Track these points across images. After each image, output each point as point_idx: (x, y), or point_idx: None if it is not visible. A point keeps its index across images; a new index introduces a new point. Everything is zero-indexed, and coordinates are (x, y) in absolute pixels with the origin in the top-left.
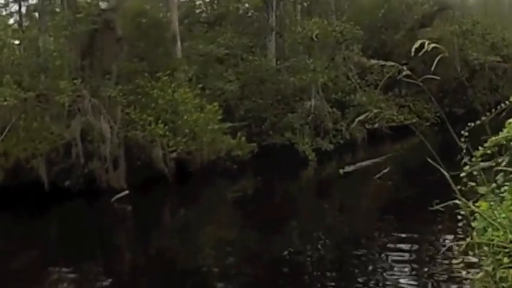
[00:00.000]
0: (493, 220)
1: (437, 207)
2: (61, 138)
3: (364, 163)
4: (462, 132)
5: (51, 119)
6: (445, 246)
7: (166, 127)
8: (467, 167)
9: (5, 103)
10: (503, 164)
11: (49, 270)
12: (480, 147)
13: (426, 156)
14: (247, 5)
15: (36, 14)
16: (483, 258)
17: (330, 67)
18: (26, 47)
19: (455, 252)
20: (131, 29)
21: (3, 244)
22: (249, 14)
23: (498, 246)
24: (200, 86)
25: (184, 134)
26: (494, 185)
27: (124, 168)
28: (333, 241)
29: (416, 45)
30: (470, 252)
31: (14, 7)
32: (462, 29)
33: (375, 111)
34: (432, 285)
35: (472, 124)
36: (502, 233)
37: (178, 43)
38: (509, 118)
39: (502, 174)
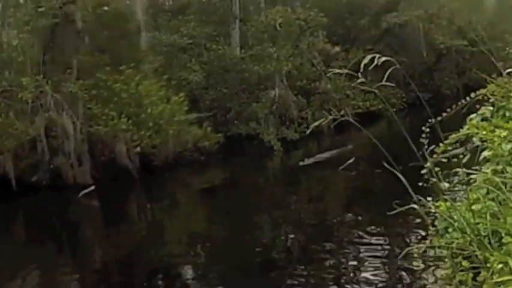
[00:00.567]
0: (453, 221)
1: (396, 211)
2: (26, 134)
3: (323, 155)
4: (423, 128)
5: (16, 115)
6: (409, 241)
7: (129, 121)
8: (428, 164)
9: None
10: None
11: (14, 267)
12: (441, 144)
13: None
14: None
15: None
16: (443, 260)
17: (294, 54)
18: None
19: (416, 255)
20: (92, 21)
21: None
22: (213, 1)
23: (457, 248)
24: (165, 77)
25: (148, 127)
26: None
27: (89, 164)
28: (301, 232)
29: (366, 60)
30: (432, 253)
31: None
32: (428, 13)
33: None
34: (395, 282)
35: (433, 120)
36: (460, 235)
37: (143, 34)
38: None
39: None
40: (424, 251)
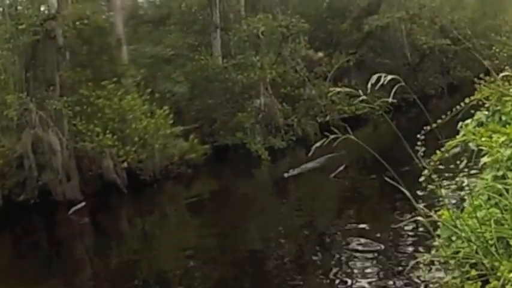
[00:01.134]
0: (457, 230)
1: (401, 224)
2: (13, 151)
3: (309, 165)
4: (418, 136)
5: (2, 133)
6: (409, 247)
7: (114, 137)
8: (425, 171)
9: None
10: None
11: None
12: (437, 151)
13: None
14: (190, 2)
15: None
16: (449, 269)
17: (277, 62)
18: None
19: (420, 265)
20: (73, 37)
21: None
22: (193, 10)
23: (463, 258)
24: (149, 90)
25: (133, 142)
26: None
27: (77, 180)
28: (292, 242)
29: (373, 80)
30: (436, 263)
31: None
32: (409, 14)
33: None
34: None
35: (428, 127)
36: (466, 244)
37: (124, 47)
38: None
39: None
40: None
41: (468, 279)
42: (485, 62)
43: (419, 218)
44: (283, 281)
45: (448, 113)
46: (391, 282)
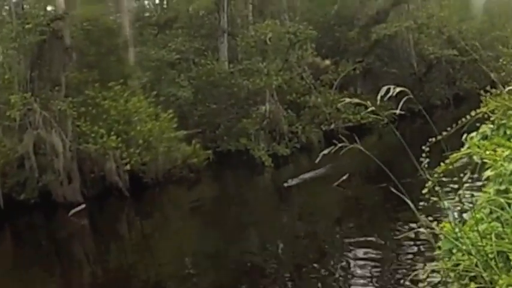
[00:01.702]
0: (458, 242)
1: (403, 235)
2: (14, 151)
3: (307, 175)
4: (423, 147)
5: (3, 132)
6: (410, 258)
7: (119, 139)
8: (429, 183)
9: None
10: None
11: None
12: (442, 163)
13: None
14: (197, 6)
15: None
16: (449, 281)
17: (283, 69)
18: None
19: (421, 276)
20: (81, 38)
21: None
22: (200, 14)
23: (463, 270)
24: (154, 93)
25: (138, 145)
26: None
27: (78, 182)
28: (292, 249)
29: (382, 92)
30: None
31: None
32: (417, 23)
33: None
34: None
35: (433, 139)
36: (467, 257)
37: (131, 49)
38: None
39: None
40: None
41: None
42: (491, 74)
43: (421, 229)
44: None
45: (454, 125)
46: None
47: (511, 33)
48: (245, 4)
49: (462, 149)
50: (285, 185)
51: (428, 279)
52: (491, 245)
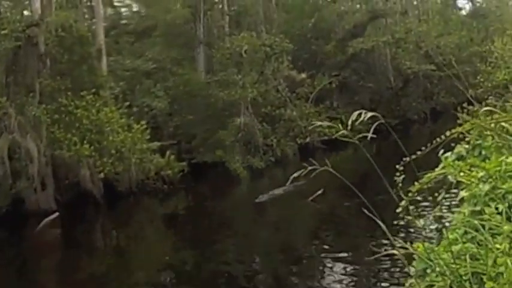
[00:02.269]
0: (432, 263)
1: (376, 256)
2: None
3: (276, 191)
4: (397, 166)
5: None
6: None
7: (92, 147)
8: (403, 202)
9: None
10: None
11: None
12: (416, 183)
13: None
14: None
15: None
16: None
17: (259, 81)
18: None
19: None
20: (55, 44)
21: None
22: (177, 23)
23: None
24: (127, 103)
25: (110, 154)
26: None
27: (53, 188)
28: (265, 260)
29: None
30: None
31: None
32: (395, 38)
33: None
34: None
35: (407, 159)
36: (441, 278)
37: (104, 58)
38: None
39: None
40: None
41: None
42: (468, 91)
43: (394, 251)
44: None
45: (428, 144)
46: None
47: (489, 50)
48: (222, 15)
49: (437, 168)
50: (256, 200)
51: None
52: (465, 266)
